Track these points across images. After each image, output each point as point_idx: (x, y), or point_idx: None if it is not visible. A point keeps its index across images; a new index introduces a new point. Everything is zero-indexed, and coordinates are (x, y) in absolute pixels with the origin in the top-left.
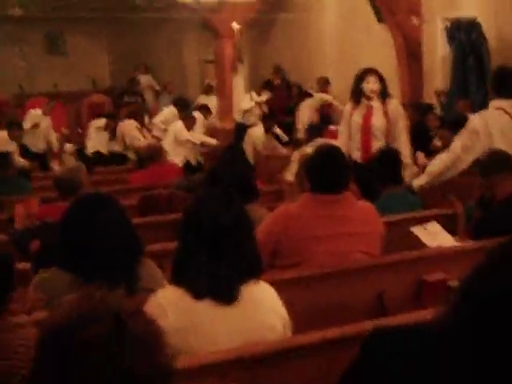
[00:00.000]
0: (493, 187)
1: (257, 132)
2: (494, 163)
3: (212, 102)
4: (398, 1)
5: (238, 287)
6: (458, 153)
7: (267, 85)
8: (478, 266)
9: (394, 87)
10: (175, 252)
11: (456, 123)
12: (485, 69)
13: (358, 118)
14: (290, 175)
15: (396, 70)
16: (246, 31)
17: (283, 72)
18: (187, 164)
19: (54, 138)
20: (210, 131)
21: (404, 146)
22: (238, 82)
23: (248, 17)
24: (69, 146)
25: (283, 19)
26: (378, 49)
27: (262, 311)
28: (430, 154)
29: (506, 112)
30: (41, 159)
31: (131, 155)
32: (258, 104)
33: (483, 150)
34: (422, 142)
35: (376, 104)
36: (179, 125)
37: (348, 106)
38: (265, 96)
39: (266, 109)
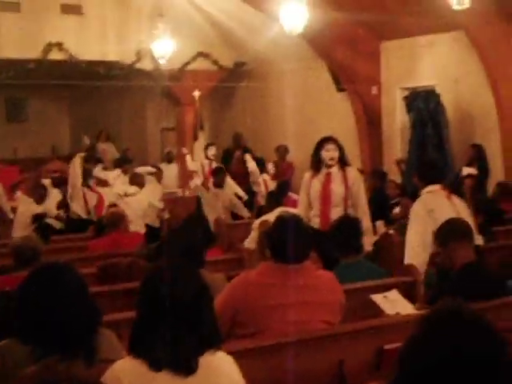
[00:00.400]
0: (451, 255)
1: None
2: (451, 231)
3: (173, 170)
4: (357, 70)
5: (196, 358)
6: (417, 241)
7: (227, 154)
8: (411, 337)
9: (353, 155)
10: (134, 322)
11: (417, 193)
12: (443, 137)
13: (317, 185)
14: (250, 243)
15: (356, 138)
16: (207, 99)
17: (243, 140)
18: (149, 231)
19: (5, 205)
20: (171, 200)
21: (363, 213)
22: (199, 150)
23: (209, 85)
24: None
25: (243, 88)
26: (337, 117)
27: (221, 381)
28: (390, 222)
29: (437, 193)
30: None
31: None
32: (209, 160)
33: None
34: (382, 210)
35: (335, 171)
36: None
37: (308, 174)
38: (213, 150)
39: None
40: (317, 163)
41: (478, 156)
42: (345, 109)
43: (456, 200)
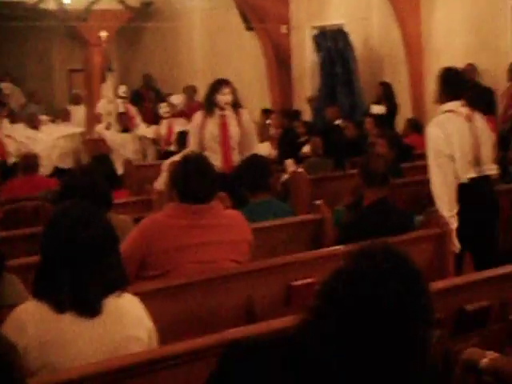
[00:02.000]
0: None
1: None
2: (367, 174)
3: (80, 111)
4: (266, 9)
5: (100, 300)
6: (440, 173)
7: (136, 96)
8: (338, 270)
9: (263, 95)
10: (37, 266)
11: (326, 131)
12: (352, 76)
13: (213, 128)
14: (159, 185)
15: (265, 77)
16: (116, 40)
17: (153, 81)
18: (57, 171)
19: None
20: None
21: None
22: (107, 91)
23: (117, 25)
24: None
25: (152, 28)
26: (247, 57)
27: (127, 323)
28: (299, 161)
29: (456, 113)
30: None
31: None
32: (122, 98)
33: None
34: (291, 148)
35: (229, 114)
36: None
37: (199, 115)
38: (123, 88)
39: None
40: (210, 105)
41: (387, 93)
42: (254, 48)
43: (478, 121)
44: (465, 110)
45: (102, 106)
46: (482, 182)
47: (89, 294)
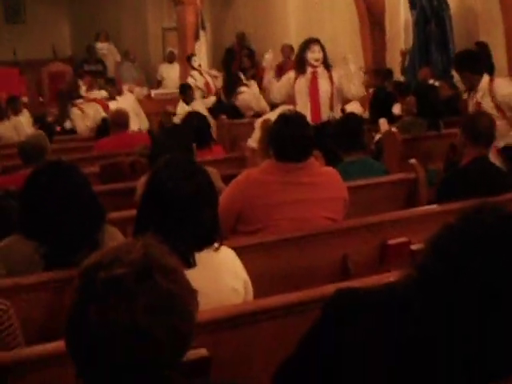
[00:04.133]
0: (461, 150)
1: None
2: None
3: (175, 69)
4: None
5: (192, 252)
6: None
7: (230, 53)
8: (448, 227)
9: (357, 54)
10: (135, 218)
11: (420, 90)
12: (447, 35)
13: (303, 82)
14: (253, 142)
15: (359, 36)
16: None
17: (246, 40)
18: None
19: None
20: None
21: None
22: (201, 50)
23: None
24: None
25: None
26: (340, 15)
27: (224, 275)
28: (393, 120)
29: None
30: None
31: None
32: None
33: None
34: (384, 108)
35: (320, 70)
36: None
37: (291, 74)
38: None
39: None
40: (301, 64)
41: (483, 53)
42: (348, 6)
43: None
44: None
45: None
46: None
47: (180, 246)
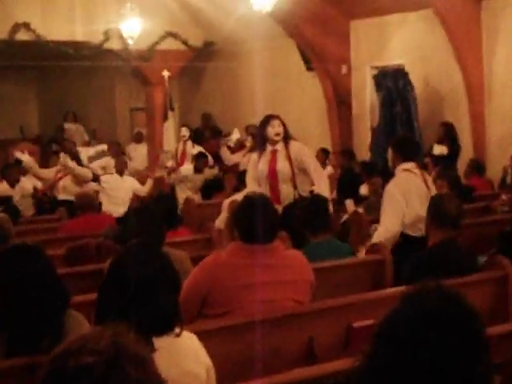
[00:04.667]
0: (429, 234)
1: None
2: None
3: (142, 150)
4: (327, 49)
5: (151, 339)
6: (392, 226)
7: (197, 134)
8: (393, 311)
9: (323, 135)
10: (96, 302)
11: (386, 171)
12: (412, 116)
13: (263, 165)
14: (220, 223)
15: (326, 117)
16: (177, 79)
17: (212, 120)
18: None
19: None
20: (141, 180)
21: (318, 177)
22: (169, 130)
23: (178, 65)
24: None
25: (213, 67)
26: (307, 97)
27: (185, 360)
28: (360, 201)
29: (412, 172)
30: None
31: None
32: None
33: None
34: (351, 189)
35: (280, 148)
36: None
37: (255, 155)
38: (183, 131)
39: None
40: (262, 140)
41: (449, 134)
42: (315, 88)
43: (429, 180)
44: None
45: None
46: None
47: (142, 333)
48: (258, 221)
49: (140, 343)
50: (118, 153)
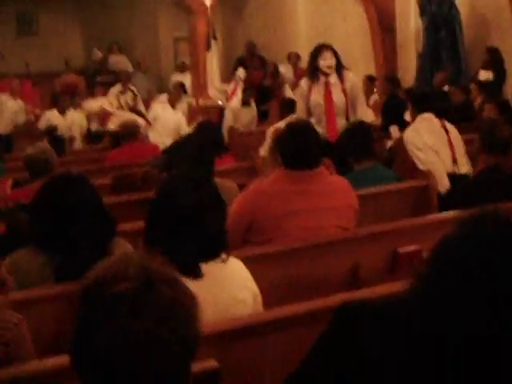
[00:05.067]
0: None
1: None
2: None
3: (186, 79)
4: None
5: (198, 263)
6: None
7: (240, 62)
8: (446, 236)
9: (368, 60)
10: (144, 230)
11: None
12: (457, 41)
13: (317, 96)
14: (264, 151)
15: (370, 43)
16: (220, 8)
17: (256, 49)
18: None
19: (22, 119)
20: (188, 109)
21: (363, 112)
22: (212, 60)
23: None
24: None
25: None
26: (351, 22)
27: (232, 286)
28: (405, 127)
29: (431, 121)
30: (6, 141)
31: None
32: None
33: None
34: (396, 115)
35: (333, 80)
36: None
37: (304, 83)
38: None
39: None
40: (314, 71)
41: (494, 59)
42: (358, 13)
43: (450, 128)
44: None
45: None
46: None
47: (188, 258)
48: (300, 147)
49: (166, 265)
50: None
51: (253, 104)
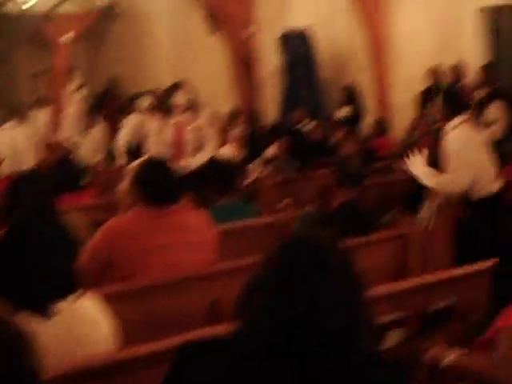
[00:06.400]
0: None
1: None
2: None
3: (45, 114)
4: (231, 12)
5: (50, 301)
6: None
7: (101, 98)
8: (265, 258)
9: (229, 97)
10: None
11: (291, 133)
12: (315, 78)
13: (169, 133)
14: (124, 187)
15: (231, 80)
16: (80, 42)
17: (118, 84)
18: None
19: None
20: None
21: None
22: (73, 92)
23: (80, 28)
24: None
25: (117, 30)
26: (212, 59)
27: (82, 326)
28: (265, 162)
29: (465, 125)
30: None
31: None
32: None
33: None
34: (257, 150)
35: (185, 117)
36: None
37: (156, 120)
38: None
39: None
40: (168, 108)
41: (352, 96)
42: (220, 50)
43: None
44: None
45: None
46: None
47: (37, 295)
48: (159, 183)
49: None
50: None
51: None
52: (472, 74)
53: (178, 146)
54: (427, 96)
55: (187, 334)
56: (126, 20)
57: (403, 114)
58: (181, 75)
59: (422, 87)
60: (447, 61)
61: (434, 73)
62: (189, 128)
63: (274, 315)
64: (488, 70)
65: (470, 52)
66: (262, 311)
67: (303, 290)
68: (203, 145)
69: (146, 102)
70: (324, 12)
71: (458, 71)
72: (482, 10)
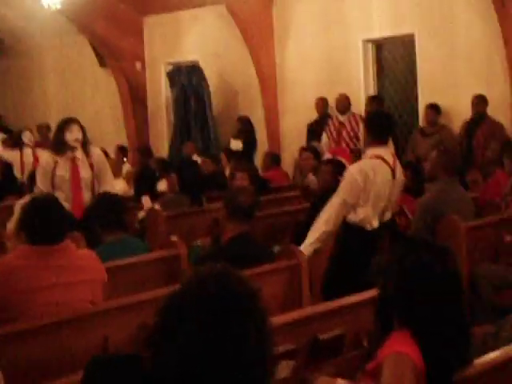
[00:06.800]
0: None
1: None
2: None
3: None
4: (120, 46)
5: None
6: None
7: None
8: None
9: (119, 131)
10: None
11: (181, 167)
12: (206, 111)
13: (64, 171)
14: (11, 226)
15: (121, 114)
16: None
17: (3, 120)
18: None
19: None
20: None
21: (110, 187)
22: None
23: None
24: None
25: (3, 66)
26: (102, 93)
27: None
28: (156, 197)
29: (385, 161)
30: None
31: None
32: None
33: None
34: (148, 185)
35: (80, 155)
36: None
37: (49, 158)
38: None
39: None
40: (60, 145)
41: (245, 128)
42: (109, 85)
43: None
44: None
45: None
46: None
47: None
48: (43, 222)
49: None
50: None
51: None
52: (360, 105)
53: (75, 183)
54: (316, 126)
55: (78, 374)
56: (11, 55)
57: (294, 146)
58: (69, 111)
59: (311, 117)
60: (335, 93)
61: (320, 104)
62: (82, 164)
63: (182, 362)
64: (375, 101)
65: (358, 82)
66: (172, 358)
67: (217, 336)
68: (99, 182)
69: (28, 136)
70: (213, 45)
71: (344, 101)
72: (368, 41)
